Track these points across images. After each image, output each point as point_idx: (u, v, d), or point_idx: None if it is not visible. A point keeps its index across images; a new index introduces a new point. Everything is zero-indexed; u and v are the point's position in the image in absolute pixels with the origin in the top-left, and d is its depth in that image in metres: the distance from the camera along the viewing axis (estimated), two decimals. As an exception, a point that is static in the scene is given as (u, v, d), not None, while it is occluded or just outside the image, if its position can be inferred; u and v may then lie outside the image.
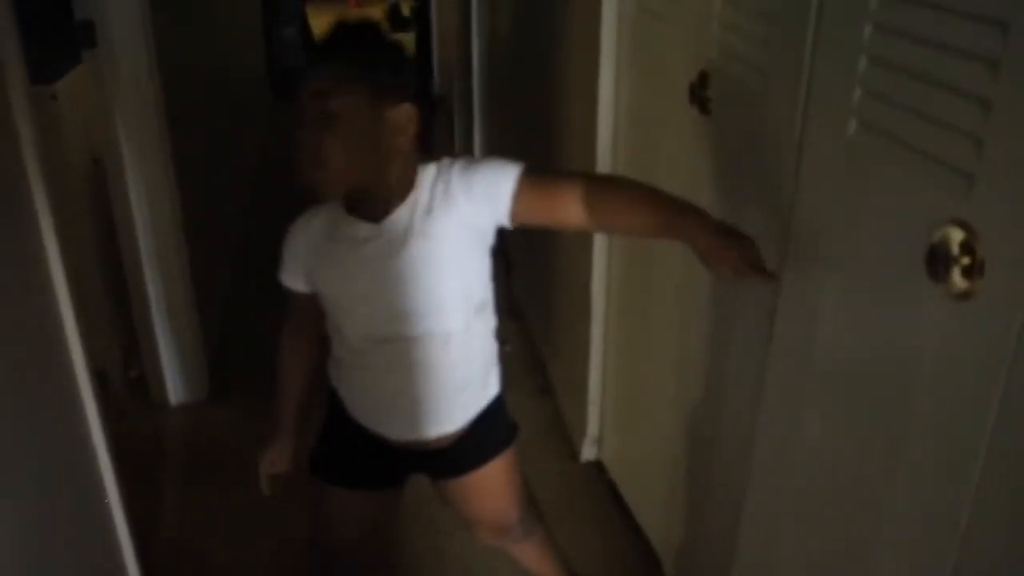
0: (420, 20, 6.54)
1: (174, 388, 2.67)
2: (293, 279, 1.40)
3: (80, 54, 2.33)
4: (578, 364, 2.31)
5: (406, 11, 8.51)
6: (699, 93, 1.49)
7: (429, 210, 1.27)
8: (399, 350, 1.35)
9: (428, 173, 1.29)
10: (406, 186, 1.28)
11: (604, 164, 2.02)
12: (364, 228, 1.30)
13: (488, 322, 1.41)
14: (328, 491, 1.54)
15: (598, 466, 2.34)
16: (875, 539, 1.10)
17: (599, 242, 2.10)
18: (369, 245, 1.30)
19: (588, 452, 2.36)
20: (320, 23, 8.15)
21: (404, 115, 1.25)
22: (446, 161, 1.31)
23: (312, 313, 1.41)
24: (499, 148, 3.35)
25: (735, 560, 1.52)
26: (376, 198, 1.28)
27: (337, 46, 1.28)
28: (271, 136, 5.50)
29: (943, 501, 0.96)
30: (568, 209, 1.25)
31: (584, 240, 2.12)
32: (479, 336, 1.41)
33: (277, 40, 6.46)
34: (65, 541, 1.38)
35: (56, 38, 2.26)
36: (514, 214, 1.26)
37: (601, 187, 1.29)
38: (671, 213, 1.21)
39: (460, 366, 1.39)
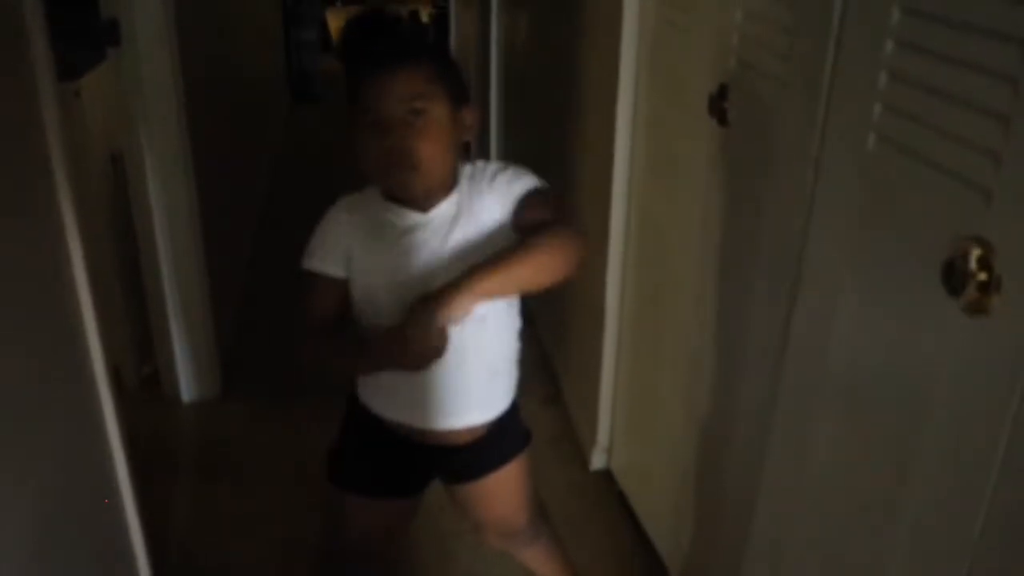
0: (438, 27, 6.58)
1: (187, 385, 2.69)
2: (329, 264, 1.37)
3: (105, 52, 2.35)
4: (590, 372, 2.32)
5: (425, 17, 8.56)
6: (718, 104, 1.50)
7: (470, 201, 1.33)
8: None
9: (464, 169, 1.36)
10: (452, 180, 1.34)
11: (621, 173, 2.03)
12: (412, 217, 1.33)
13: (516, 318, 1.45)
14: (344, 497, 1.56)
15: (608, 475, 2.34)
16: (888, 552, 1.10)
17: (614, 250, 2.11)
18: (417, 233, 1.33)
19: (598, 461, 2.37)
20: (339, 26, 8.19)
21: (471, 115, 1.34)
22: (481, 162, 1.38)
23: (336, 303, 1.39)
24: (516, 156, 3.36)
25: (744, 572, 1.52)
26: (429, 191, 1.32)
27: (412, 46, 1.31)
28: (288, 136, 5.54)
29: (956, 515, 0.96)
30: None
31: (598, 247, 2.13)
32: (508, 328, 1.44)
33: (296, 42, 6.50)
34: (77, 535, 1.39)
35: (81, 35, 2.29)
36: (516, 219, 1.34)
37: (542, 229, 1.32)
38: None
39: (493, 348, 1.42)
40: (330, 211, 1.40)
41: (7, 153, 1.19)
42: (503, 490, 1.58)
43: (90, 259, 1.44)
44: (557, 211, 1.35)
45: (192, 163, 2.51)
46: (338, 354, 1.40)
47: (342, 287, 1.38)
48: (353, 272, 1.37)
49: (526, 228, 1.32)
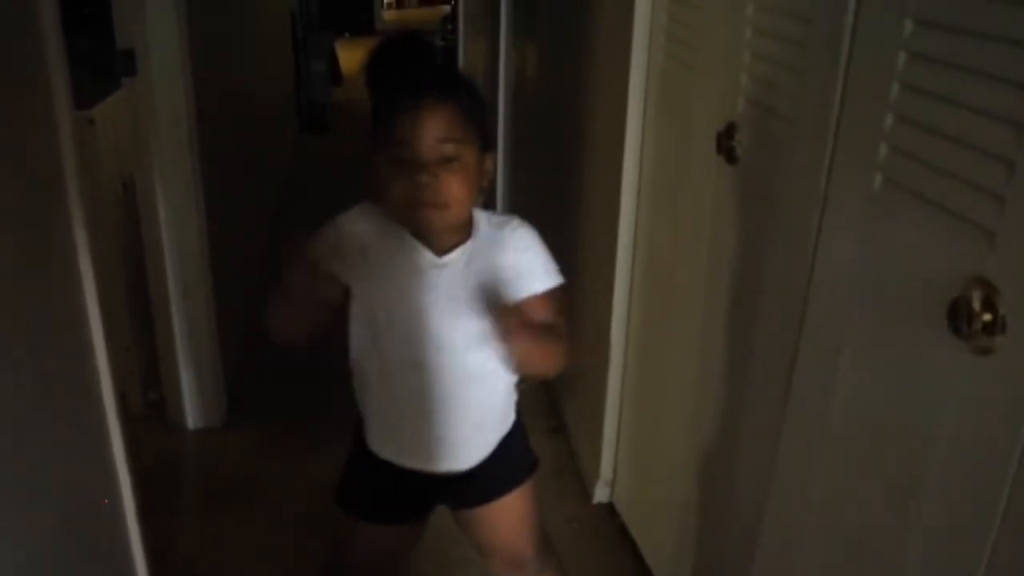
0: (446, 59, 6.64)
1: (192, 412, 2.69)
2: (325, 260, 1.32)
3: (119, 80, 2.38)
4: (594, 405, 2.32)
5: (433, 50, 8.63)
6: (726, 143, 1.52)
7: (487, 253, 1.34)
8: (428, 379, 1.37)
9: (482, 216, 1.37)
10: (470, 225, 1.35)
11: (628, 208, 2.04)
12: (429, 257, 1.33)
13: (508, 375, 1.45)
14: (353, 521, 1.56)
15: (610, 508, 2.34)
16: (889, 591, 1.10)
17: (619, 284, 2.12)
18: (431, 273, 1.33)
19: (600, 494, 2.36)
20: (348, 59, 8.27)
21: (491, 160, 1.35)
22: (517, 221, 1.39)
23: (317, 306, 1.34)
24: (521, 190, 3.38)
25: (746, 608, 1.52)
26: (447, 231, 1.32)
27: (450, 83, 1.31)
28: (296, 166, 5.57)
29: (959, 557, 0.96)
30: None
31: (604, 281, 2.14)
32: (503, 382, 1.45)
33: (306, 74, 6.56)
34: (82, 561, 1.39)
35: (97, 64, 2.32)
36: (527, 299, 1.34)
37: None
38: None
39: (481, 406, 1.44)
40: (340, 218, 1.38)
41: (24, 179, 1.21)
42: (509, 518, 1.58)
43: (101, 285, 1.46)
44: (565, 313, 1.39)
45: (202, 191, 2.53)
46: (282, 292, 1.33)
47: (328, 288, 1.34)
48: (357, 289, 1.37)
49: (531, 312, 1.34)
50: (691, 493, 1.79)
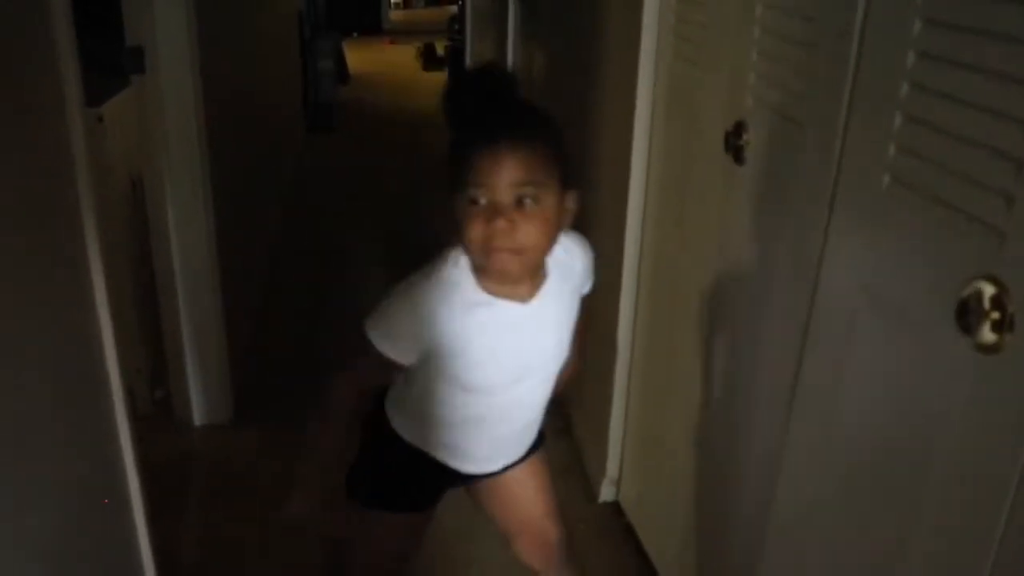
0: (453, 60, 6.65)
1: (199, 409, 2.70)
2: (403, 353, 1.32)
3: (128, 78, 2.39)
4: (600, 405, 2.32)
5: (440, 50, 8.65)
6: (734, 142, 1.52)
7: (561, 285, 1.37)
8: (515, 399, 1.43)
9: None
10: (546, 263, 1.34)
11: (635, 208, 2.04)
12: (514, 311, 1.31)
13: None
14: (368, 513, 1.56)
15: (616, 507, 2.34)
16: (896, 590, 1.10)
17: (626, 283, 2.12)
18: (521, 324, 1.33)
19: (606, 493, 2.37)
20: (355, 58, 8.29)
21: (574, 200, 1.29)
22: (576, 245, 1.42)
23: (385, 373, 1.41)
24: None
25: (752, 607, 1.52)
26: (526, 274, 1.30)
27: (527, 125, 1.24)
28: (303, 165, 5.59)
29: (965, 556, 0.97)
30: None
31: (612, 281, 2.14)
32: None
33: (313, 73, 6.57)
34: (90, 557, 1.39)
35: (106, 61, 2.33)
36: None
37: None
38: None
39: (542, 407, 1.51)
40: (419, 298, 1.29)
41: (35, 176, 1.22)
42: (524, 488, 1.60)
43: (110, 282, 1.46)
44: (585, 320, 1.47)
45: (211, 189, 2.54)
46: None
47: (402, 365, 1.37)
48: (436, 351, 1.32)
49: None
50: (697, 492, 1.79)
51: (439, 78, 7.67)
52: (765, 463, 1.44)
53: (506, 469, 1.55)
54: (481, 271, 1.28)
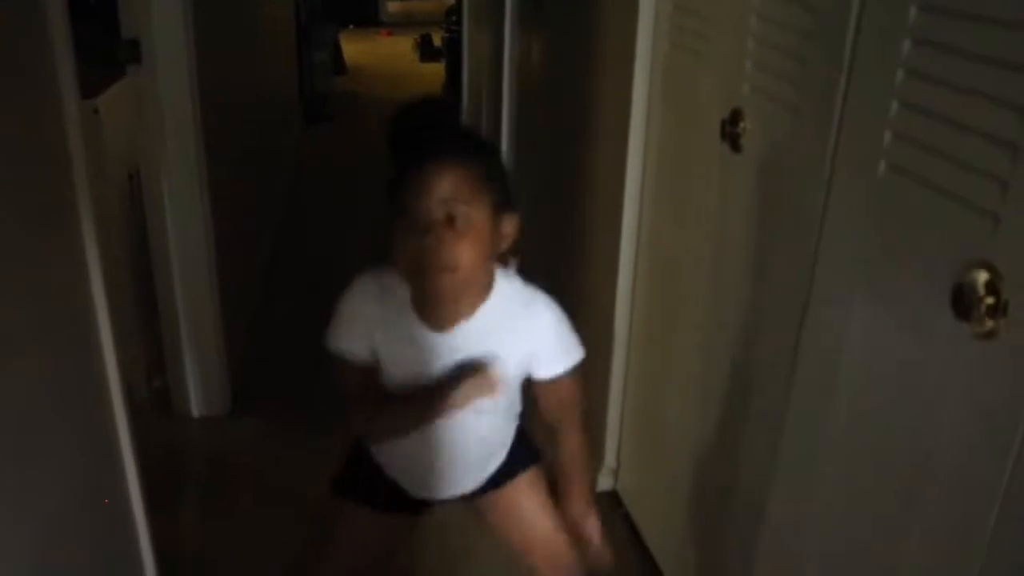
0: (451, 51, 6.63)
1: (197, 401, 2.70)
2: (354, 345, 1.36)
3: (124, 69, 2.38)
4: (597, 394, 2.32)
5: (437, 41, 8.63)
6: (730, 130, 1.52)
7: (502, 322, 1.32)
8: (434, 434, 1.39)
9: (507, 284, 1.34)
10: (485, 290, 1.32)
11: (632, 196, 2.04)
12: (434, 337, 1.32)
13: (517, 407, 1.49)
14: (347, 514, 1.55)
15: (614, 496, 2.35)
16: None
17: (623, 273, 2.12)
18: (431, 350, 1.32)
19: (604, 482, 2.37)
20: (352, 50, 8.27)
21: (511, 223, 1.28)
22: (542, 298, 1.36)
23: (372, 378, 1.38)
24: (527, 182, 3.38)
25: (750, 594, 1.53)
26: (460, 297, 1.29)
27: (458, 146, 1.26)
28: (301, 156, 5.58)
29: (961, 541, 0.97)
30: (549, 407, 1.44)
31: (608, 269, 2.14)
32: (512, 419, 1.50)
33: (309, 64, 6.55)
34: (88, 549, 1.40)
35: (102, 53, 2.32)
36: (545, 381, 1.39)
37: (568, 430, 1.48)
38: (574, 471, 1.50)
39: (483, 444, 1.48)
40: (353, 291, 1.36)
41: (31, 168, 1.21)
42: (524, 506, 1.56)
43: (108, 274, 1.46)
44: (579, 390, 1.43)
45: (208, 180, 2.53)
46: (392, 420, 1.40)
47: (370, 366, 1.37)
48: (380, 359, 1.36)
49: (548, 395, 1.41)
50: (695, 481, 1.80)
51: (436, 69, 7.64)
52: (764, 451, 1.44)
53: (479, 494, 1.54)
54: (414, 299, 1.31)
